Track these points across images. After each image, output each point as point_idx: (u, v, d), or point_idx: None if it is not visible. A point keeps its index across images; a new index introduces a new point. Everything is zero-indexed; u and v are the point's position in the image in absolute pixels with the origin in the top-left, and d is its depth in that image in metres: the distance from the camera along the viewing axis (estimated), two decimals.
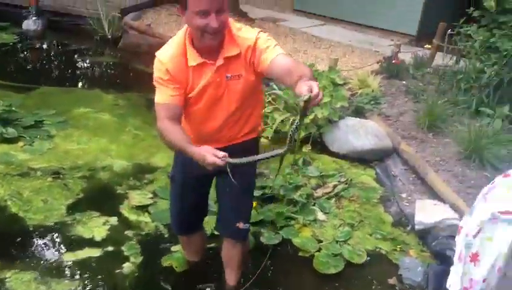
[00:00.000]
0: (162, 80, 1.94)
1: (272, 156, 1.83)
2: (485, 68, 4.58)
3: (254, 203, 3.17)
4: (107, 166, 3.63)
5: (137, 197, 3.29)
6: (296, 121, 1.70)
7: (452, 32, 5.05)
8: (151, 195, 3.33)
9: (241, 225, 2.31)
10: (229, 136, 2.17)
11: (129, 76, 5.86)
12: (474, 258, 1.45)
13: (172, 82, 1.93)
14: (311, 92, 1.59)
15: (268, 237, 3.03)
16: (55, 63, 6.47)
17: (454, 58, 4.98)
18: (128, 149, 3.90)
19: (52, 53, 6.80)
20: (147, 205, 3.22)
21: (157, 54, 1.99)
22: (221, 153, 1.81)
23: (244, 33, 1.95)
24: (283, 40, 7.26)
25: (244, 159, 1.86)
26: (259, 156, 1.90)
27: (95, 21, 6.51)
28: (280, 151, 1.76)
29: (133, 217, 3.11)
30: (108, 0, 7.32)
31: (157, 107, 1.97)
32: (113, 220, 3.06)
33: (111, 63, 6.38)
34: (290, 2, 10.13)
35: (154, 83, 1.98)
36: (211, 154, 1.78)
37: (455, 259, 1.57)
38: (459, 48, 4.97)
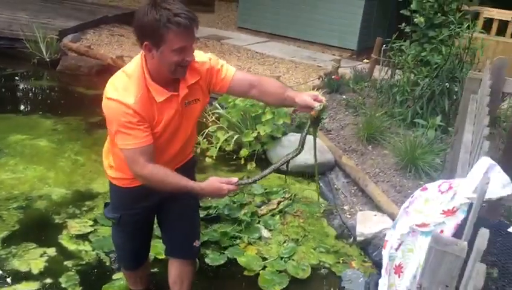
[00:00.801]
0: (132, 123, 1.79)
1: (281, 164, 2.03)
2: (419, 81, 4.81)
3: None
4: (44, 195, 3.50)
5: (76, 226, 3.19)
6: (306, 129, 1.97)
7: (386, 48, 5.27)
8: (91, 222, 3.24)
9: (196, 243, 2.34)
10: (181, 158, 2.18)
11: (68, 99, 5.70)
12: (398, 270, 1.51)
13: (142, 123, 1.82)
14: (317, 100, 1.88)
15: (213, 258, 3.01)
16: None
17: (390, 72, 5.19)
18: (67, 176, 3.79)
19: None
20: (88, 233, 3.13)
21: (115, 97, 1.79)
22: (234, 179, 1.96)
23: (198, 57, 1.96)
24: (227, 58, 7.32)
25: (254, 178, 2.09)
26: (268, 171, 2.05)
27: (31, 44, 6.31)
28: (289, 156, 2.01)
29: (72, 246, 3.00)
30: (46, 22, 7.15)
31: (130, 153, 1.84)
32: (51, 251, 2.94)
33: (49, 86, 6.18)
34: (234, 20, 10.27)
35: (120, 129, 1.80)
36: (225, 184, 1.93)
37: (382, 271, 1.62)
38: (393, 62, 5.19)
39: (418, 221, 1.43)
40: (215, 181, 1.95)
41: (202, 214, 3.31)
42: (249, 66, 7.07)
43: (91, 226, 3.20)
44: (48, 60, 6.34)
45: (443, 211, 1.38)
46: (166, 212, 2.28)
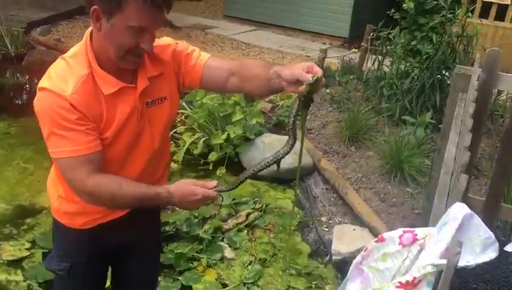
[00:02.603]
0: (68, 121, 1.30)
1: (269, 165, 1.43)
2: (410, 72, 4.38)
3: None
4: None
5: (10, 249, 2.79)
6: (293, 112, 1.32)
7: (372, 37, 4.83)
8: (28, 245, 2.84)
9: None
10: (150, 183, 1.49)
11: (28, 98, 5.27)
12: None
13: (84, 122, 1.32)
14: (311, 72, 1.25)
15: (164, 287, 2.61)
16: None
17: (377, 63, 4.74)
18: (11, 187, 3.39)
19: None
20: (22, 259, 2.73)
21: (47, 85, 1.32)
22: (211, 183, 1.47)
23: (161, 40, 1.50)
24: (209, 49, 6.88)
25: (236, 181, 1.52)
26: (251, 170, 1.48)
27: None
28: (279, 154, 1.40)
29: (1, 275, 2.61)
30: (14, 14, 6.71)
31: (66, 163, 1.34)
32: None
33: (10, 83, 5.75)
34: (220, 8, 9.78)
35: (53, 129, 1.31)
36: (200, 188, 1.44)
37: None
38: (381, 51, 4.75)
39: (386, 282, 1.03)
40: (186, 184, 1.46)
41: None
42: (231, 57, 6.63)
43: (27, 249, 2.80)
44: (13, 54, 5.92)
45: (399, 283, 0.97)
46: (123, 268, 1.80)
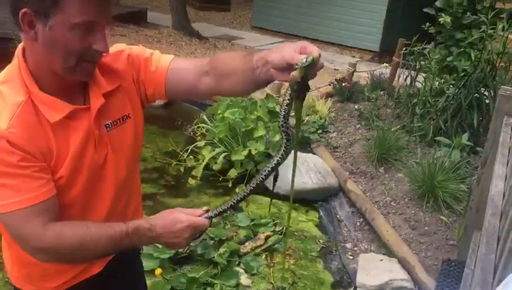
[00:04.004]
0: (8, 165, 1.02)
1: (263, 179, 1.15)
2: (445, 89, 4.12)
3: (159, 271, 2.60)
4: None
5: None
6: (285, 102, 1.02)
7: (405, 52, 4.59)
8: None
9: None
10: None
11: None
12: None
13: (29, 162, 1.04)
14: (304, 52, 0.96)
15: None
16: None
17: (409, 79, 4.50)
18: None
19: None
20: None
21: None
22: (199, 211, 1.20)
23: (112, 47, 1.21)
24: None
25: (226, 204, 1.22)
26: (244, 193, 1.19)
27: None
28: (271, 164, 1.12)
29: None
30: None
31: (13, 218, 1.05)
32: None
33: None
34: (249, 19, 9.69)
35: None
36: (185, 215, 1.16)
37: None
38: (414, 67, 4.51)
39: None
40: (169, 211, 1.18)
41: (169, 254, 2.75)
42: None
43: None
44: None
45: None
46: None
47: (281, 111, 1.04)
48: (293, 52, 0.98)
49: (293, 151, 1.08)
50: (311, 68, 0.94)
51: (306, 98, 1.01)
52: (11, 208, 1.03)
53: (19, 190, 1.03)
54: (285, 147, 1.07)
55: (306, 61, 0.93)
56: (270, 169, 1.12)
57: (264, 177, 1.14)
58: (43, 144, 1.06)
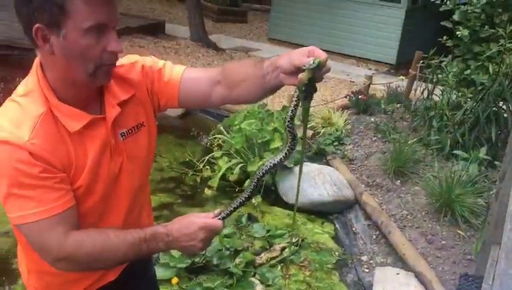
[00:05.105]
0: (30, 177, 1.03)
1: (263, 174, 1.22)
2: (462, 103, 4.10)
3: (175, 280, 2.62)
4: None
5: None
6: (292, 105, 1.08)
7: (422, 64, 4.59)
8: None
9: None
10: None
11: None
12: None
13: (50, 174, 1.06)
14: (312, 55, 1.02)
15: None
16: None
17: (426, 92, 4.49)
18: None
19: None
20: None
21: (1, 136, 1.03)
22: (211, 214, 1.24)
23: (126, 58, 1.27)
24: None
25: (235, 202, 1.27)
26: (251, 186, 1.25)
27: None
28: (275, 160, 1.18)
29: None
30: None
31: (34, 229, 1.07)
32: None
33: None
34: (265, 31, 9.77)
35: (12, 190, 1.04)
36: (198, 217, 1.20)
37: None
38: (432, 80, 4.50)
39: None
40: (184, 216, 1.23)
41: (186, 263, 2.77)
42: None
43: None
44: None
45: None
46: None
47: (288, 112, 1.10)
48: (301, 56, 1.04)
49: (299, 155, 1.11)
50: (318, 70, 1.00)
51: (312, 102, 1.06)
52: (32, 219, 1.05)
53: (40, 201, 1.05)
54: (289, 146, 1.13)
55: (313, 63, 1.00)
56: (272, 165, 1.18)
57: (264, 172, 1.20)
58: (63, 154, 1.08)
